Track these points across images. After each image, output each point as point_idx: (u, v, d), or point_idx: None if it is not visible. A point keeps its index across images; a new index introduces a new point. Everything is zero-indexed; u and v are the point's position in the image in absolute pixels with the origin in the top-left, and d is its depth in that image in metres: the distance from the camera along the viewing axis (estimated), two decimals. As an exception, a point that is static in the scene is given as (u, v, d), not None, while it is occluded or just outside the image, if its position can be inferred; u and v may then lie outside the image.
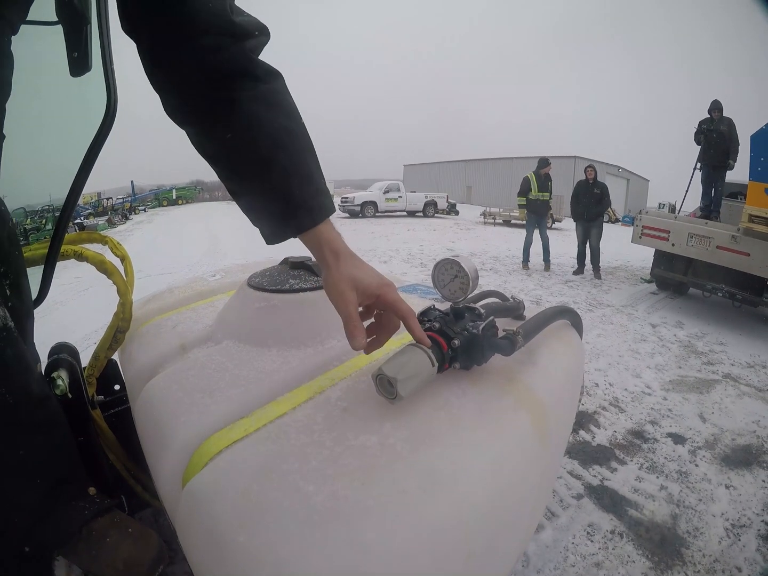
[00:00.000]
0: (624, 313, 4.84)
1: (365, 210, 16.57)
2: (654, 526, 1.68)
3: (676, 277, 5.09)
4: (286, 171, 0.58)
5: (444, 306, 0.75)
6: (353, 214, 16.45)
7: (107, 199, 21.05)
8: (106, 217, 15.44)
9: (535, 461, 0.66)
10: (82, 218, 14.12)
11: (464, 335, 0.67)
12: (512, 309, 0.95)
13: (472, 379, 0.70)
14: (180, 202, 27.62)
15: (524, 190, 6.74)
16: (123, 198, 22.28)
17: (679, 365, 3.41)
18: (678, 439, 2.33)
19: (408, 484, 0.50)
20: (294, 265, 1.05)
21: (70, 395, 0.88)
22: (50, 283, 1.04)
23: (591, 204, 6.30)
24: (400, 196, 17.40)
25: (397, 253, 8.29)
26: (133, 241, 10.97)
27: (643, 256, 6.77)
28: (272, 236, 0.63)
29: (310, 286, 0.93)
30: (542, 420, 0.68)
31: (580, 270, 6.75)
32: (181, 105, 0.61)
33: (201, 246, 9.24)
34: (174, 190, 28.64)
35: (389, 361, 0.61)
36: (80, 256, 1.11)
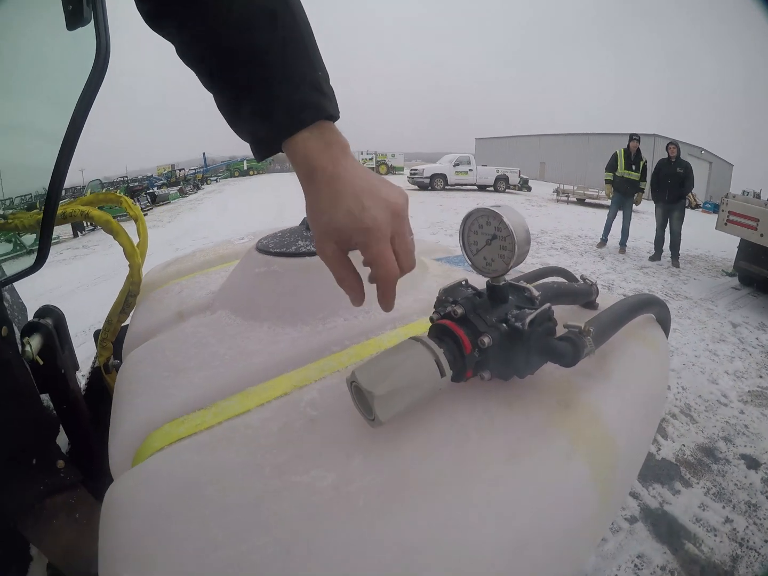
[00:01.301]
0: (703, 307, 4.45)
1: (434, 182, 16.28)
2: (710, 567, 1.44)
3: (762, 272, 4.57)
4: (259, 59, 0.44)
5: (483, 282, 0.55)
6: (422, 187, 16.21)
7: (180, 170, 22.01)
8: (178, 187, 16.05)
9: (590, 534, 0.45)
10: (155, 189, 14.69)
11: (501, 329, 0.47)
12: (581, 294, 0.71)
13: (506, 398, 0.49)
14: (251, 173, 28.45)
15: (610, 165, 6.44)
16: (195, 169, 23.17)
17: (760, 374, 3.04)
18: (752, 463, 2.03)
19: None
20: (309, 226, 0.87)
21: (40, 361, 0.80)
22: (48, 248, 0.96)
23: (673, 185, 5.84)
24: (470, 170, 16.92)
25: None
26: (201, 208, 11.35)
27: (726, 246, 6.30)
28: (256, 151, 0.48)
29: (319, 249, 0.75)
30: (608, 470, 0.46)
31: (657, 256, 6.34)
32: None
33: (268, 213, 9.42)
34: (245, 162, 29.49)
35: (372, 361, 0.42)
36: (87, 217, 1.08)
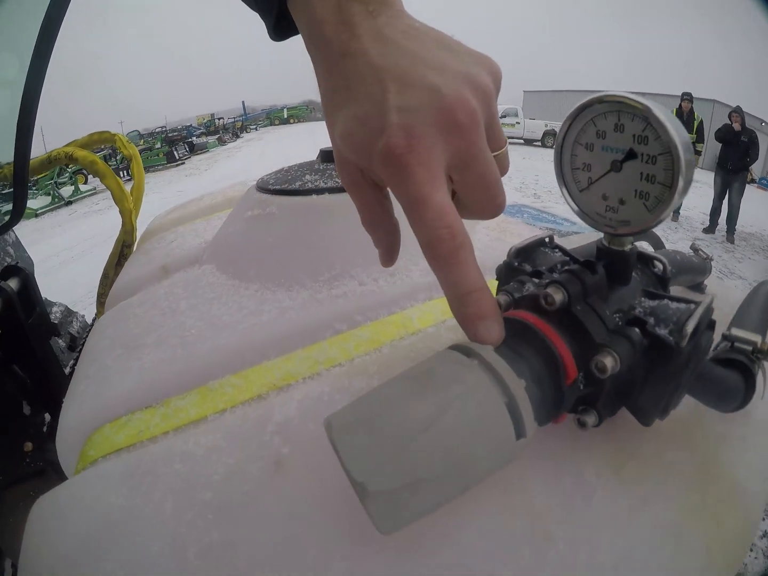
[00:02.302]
0: None
1: (481, 134, 15.75)
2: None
3: None
4: None
5: (575, 244, 0.35)
6: (466, 138, 15.70)
7: (219, 119, 21.92)
8: (216, 136, 15.99)
9: None
10: (194, 138, 14.61)
11: (634, 340, 0.27)
12: (698, 271, 0.51)
13: (610, 451, 0.31)
14: (291, 120, 28.24)
15: None
16: (235, 118, 23.03)
17: None
18: None
19: None
20: (325, 155, 0.68)
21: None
22: (24, 200, 0.90)
23: (737, 153, 5.44)
24: (517, 122, 16.24)
25: (510, 181, 7.68)
26: (239, 156, 11.30)
27: None
28: (263, 16, 0.34)
29: (332, 185, 0.56)
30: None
31: (711, 228, 5.95)
32: None
33: (307, 157, 9.38)
34: (285, 110, 29.16)
35: (372, 399, 0.23)
36: (71, 159, 1.00)
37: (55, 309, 1.33)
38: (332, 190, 0.55)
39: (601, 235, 0.30)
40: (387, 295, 0.47)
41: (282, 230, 0.53)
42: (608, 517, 0.27)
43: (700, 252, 0.54)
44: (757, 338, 0.31)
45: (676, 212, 6.13)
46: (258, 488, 0.29)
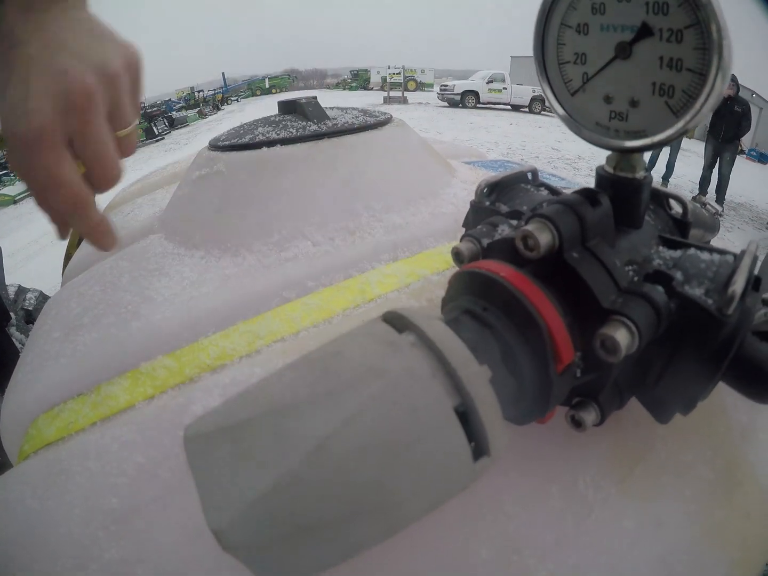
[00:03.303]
0: None
1: (465, 100, 15.31)
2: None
3: None
4: None
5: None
6: (452, 104, 15.32)
7: (199, 92, 21.23)
8: (197, 109, 15.51)
9: None
10: (174, 112, 14.15)
11: (658, 304, 0.18)
12: (708, 227, 0.45)
13: (615, 453, 0.25)
14: (274, 91, 27.46)
15: None
16: (215, 90, 22.33)
17: None
18: None
19: None
20: (284, 107, 0.62)
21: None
22: None
23: (729, 123, 5.37)
24: (504, 88, 15.93)
25: (496, 146, 7.63)
26: (221, 128, 10.97)
27: None
28: None
29: (284, 136, 0.50)
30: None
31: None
32: None
33: None
34: (267, 80, 28.33)
35: (249, 397, 0.16)
36: None
37: (29, 295, 1.29)
38: (285, 141, 0.49)
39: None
40: (344, 257, 0.42)
41: (229, 189, 0.48)
42: (608, 543, 0.21)
43: (708, 206, 0.49)
44: None
45: (666, 180, 6.09)
46: (166, 494, 0.25)
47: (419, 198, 0.51)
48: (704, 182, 5.82)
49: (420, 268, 0.40)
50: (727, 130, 5.43)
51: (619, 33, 0.19)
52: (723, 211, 5.61)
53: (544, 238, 0.18)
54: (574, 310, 0.19)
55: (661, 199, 0.26)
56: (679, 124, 0.19)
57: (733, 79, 5.48)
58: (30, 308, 1.18)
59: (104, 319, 0.40)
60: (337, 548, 0.15)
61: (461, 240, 0.24)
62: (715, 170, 5.65)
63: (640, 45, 0.19)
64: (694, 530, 0.22)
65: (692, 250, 0.21)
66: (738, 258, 0.20)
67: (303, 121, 0.55)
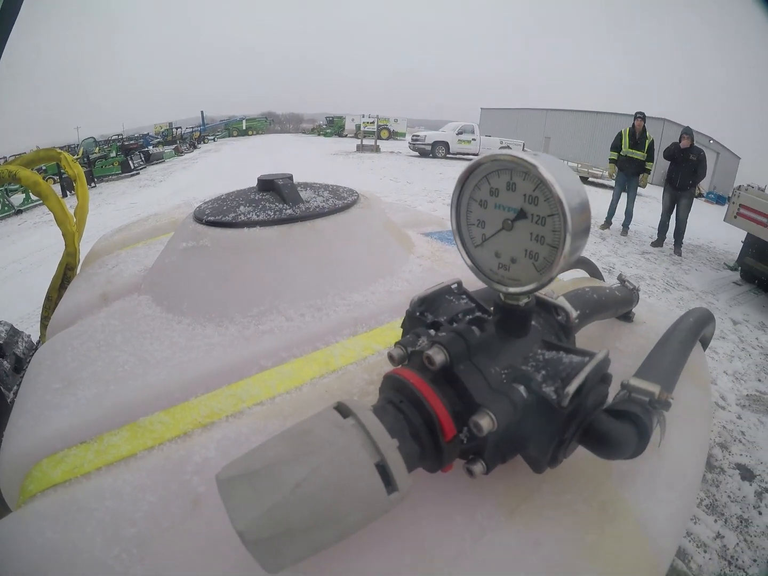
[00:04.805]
0: (703, 300, 4.28)
1: (436, 150, 15.83)
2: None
3: (767, 270, 4.45)
4: None
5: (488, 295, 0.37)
6: (423, 154, 15.76)
7: (177, 128, 21.40)
8: (173, 146, 15.61)
9: None
10: (151, 147, 14.22)
11: (514, 400, 0.28)
12: (621, 304, 0.53)
13: (509, 494, 0.33)
14: (250, 132, 27.85)
15: (615, 144, 6.22)
16: (193, 128, 22.57)
17: (759, 377, 2.90)
18: (746, 474, 1.91)
19: None
20: (263, 185, 0.71)
21: None
22: None
23: (685, 171, 5.65)
24: (473, 139, 16.39)
25: (448, 199, 7.70)
26: (195, 168, 11.02)
27: (728, 238, 6.14)
28: None
29: (263, 218, 0.58)
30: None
31: (659, 242, 6.15)
32: None
33: (263, 171, 9.23)
34: (244, 121, 28.77)
35: (257, 456, 0.25)
36: (14, 178, 0.99)
37: (0, 328, 1.29)
38: (263, 223, 0.57)
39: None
40: (312, 331, 0.50)
41: (214, 264, 0.56)
42: (496, 557, 0.29)
43: (626, 283, 0.59)
44: (655, 388, 0.32)
45: (626, 227, 6.31)
46: (176, 525, 0.31)
47: (378, 277, 0.60)
48: (662, 228, 6.07)
49: (375, 343, 0.49)
50: (684, 177, 5.65)
51: (506, 212, 0.28)
52: (682, 254, 5.77)
53: (438, 358, 0.28)
54: (462, 402, 0.28)
55: (550, 308, 0.35)
56: (543, 279, 0.28)
57: (688, 131, 5.74)
58: (20, 355, 1.19)
59: (103, 375, 0.46)
60: (311, 545, 0.24)
61: (395, 346, 0.32)
62: (674, 215, 5.87)
63: (518, 223, 0.28)
64: (566, 550, 0.29)
65: (560, 353, 0.30)
66: (586, 363, 0.28)
67: (279, 203, 0.64)
